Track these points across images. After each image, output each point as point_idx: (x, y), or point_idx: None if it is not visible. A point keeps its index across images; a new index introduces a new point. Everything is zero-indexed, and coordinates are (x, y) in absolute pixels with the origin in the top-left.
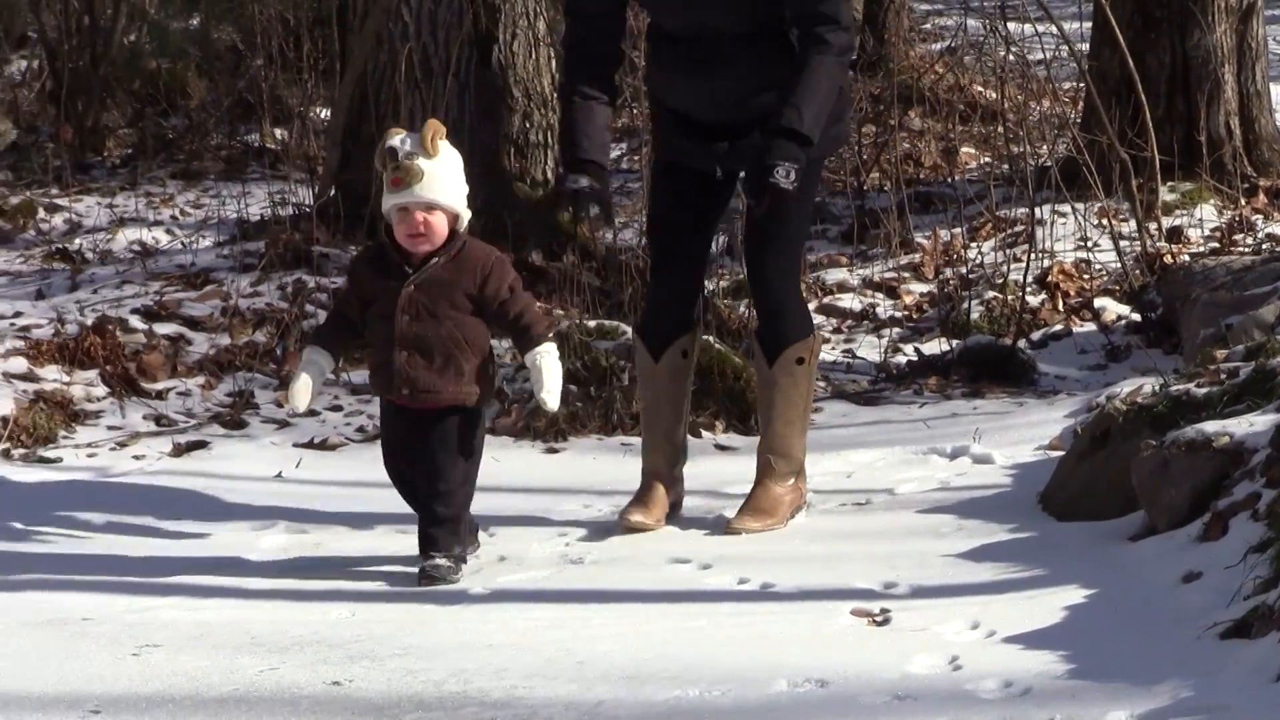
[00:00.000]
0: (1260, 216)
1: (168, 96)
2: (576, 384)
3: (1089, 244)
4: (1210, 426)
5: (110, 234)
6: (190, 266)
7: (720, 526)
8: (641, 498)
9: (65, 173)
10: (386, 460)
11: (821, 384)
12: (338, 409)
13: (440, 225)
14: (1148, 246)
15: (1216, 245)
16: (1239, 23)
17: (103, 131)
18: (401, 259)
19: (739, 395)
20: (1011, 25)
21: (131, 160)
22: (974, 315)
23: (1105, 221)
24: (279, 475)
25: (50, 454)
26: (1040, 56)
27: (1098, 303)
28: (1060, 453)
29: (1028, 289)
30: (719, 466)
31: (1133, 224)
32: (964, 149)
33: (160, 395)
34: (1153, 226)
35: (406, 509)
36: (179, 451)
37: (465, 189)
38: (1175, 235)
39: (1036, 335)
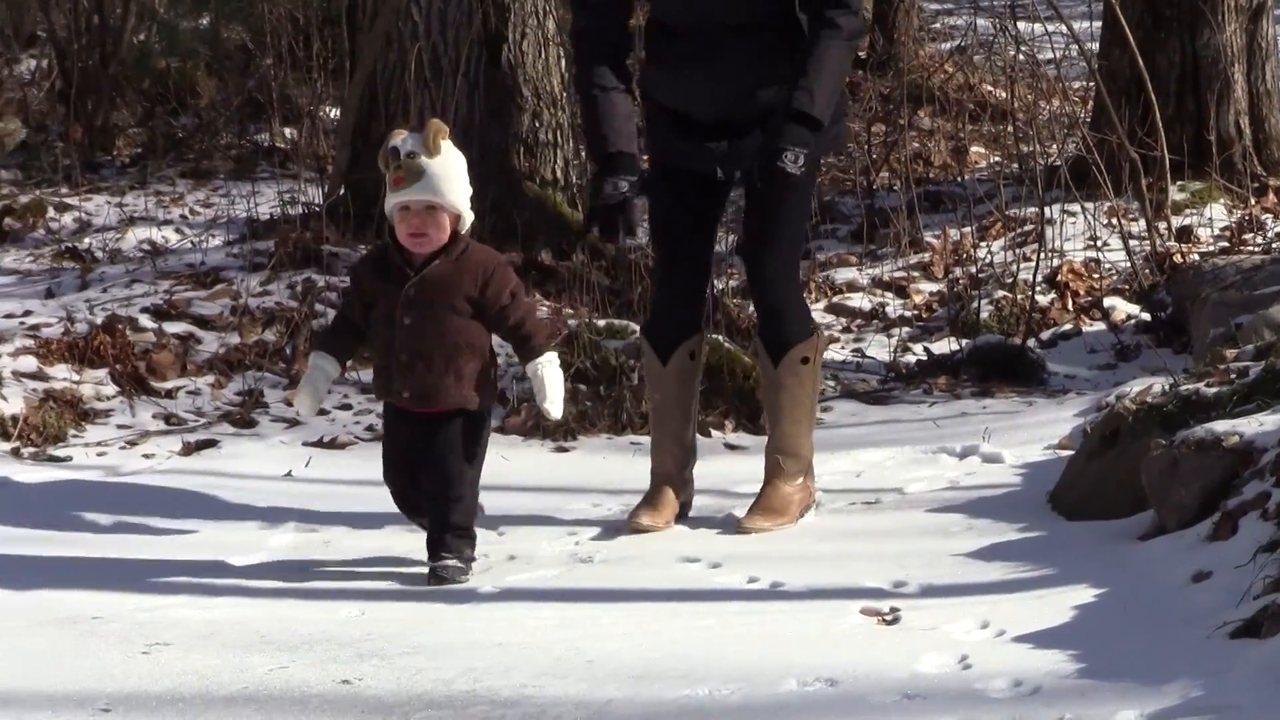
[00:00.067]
0: (1270, 216)
1: (177, 95)
2: (586, 383)
3: (1098, 243)
4: (1220, 426)
5: (120, 233)
6: (200, 265)
7: (730, 526)
8: (650, 500)
9: (75, 172)
10: (385, 466)
11: (831, 383)
12: (347, 408)
13: (441, 226)
14: (1157, 246)
15: (1226, 244)
16: (1249, 22)
17: (112, 130)
18: (403, 260)
19: (748, 394)
20: (1021, 24)
21: (141, 159)
22: (983, 314)
23: (1115, 221)
24: (288, 474)
25: (60, 453)
26: (1050, 56)
27: (1107, 302)
28: (1070, 452)
29: (1037, 288)
30: (728, 466)
31: (1142, 223)
32: (974, 148)
33: (170, 394)
34: (1162, 226)
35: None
36: (188, 450)
37: (468, 190)
38: (1185, 234)
39: (1046, 334)
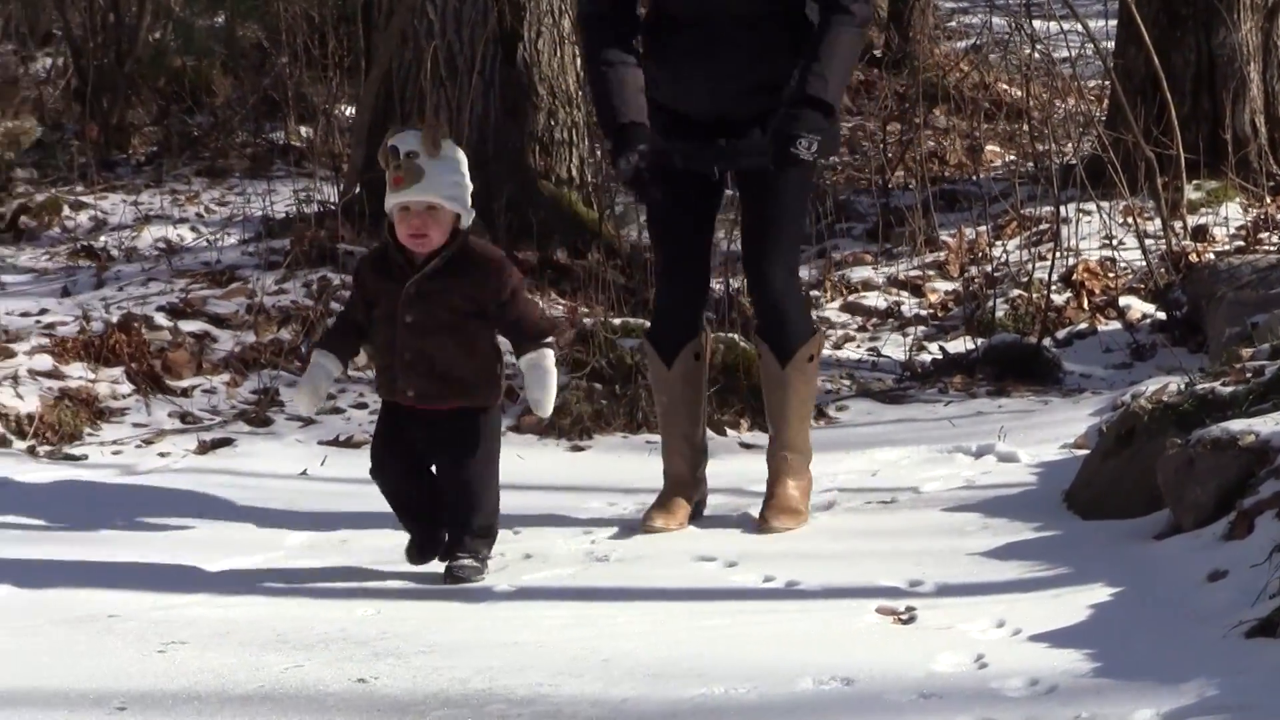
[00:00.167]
0: None
1: (193, 94)
2: (602, 382)
3: (1114, 242)
4: (1236, 425)
5: (135, 231)
6: (215, 264)
7: (745, 524)
8: (663, 501)
9: (90, 170)
10: (376, 465)
11: (847, 382)
12: (363, 406)
13: (441, 225)
14: (1173, 245)
15: (1242, 243)
16: (1265, 21)
17: (128, 129)
18: (404, 259)
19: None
20: (1036, 23)
21: (156, 158)
22: (999, 313)
23: (1130, 220)
24: (304, 473)
25: (75, 451)
26: (1065, 54)
27: (1123, 301)
28: (1085, 451)
29: (1053, 287)
30: (743, 465)
31: (1158, 222)
32: (989, 147)
33: (185, 393)
34: (1178, 225)
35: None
36: (204, 449)
37: (469, 188)
38: (1200, 233)
39: (1061, 333)
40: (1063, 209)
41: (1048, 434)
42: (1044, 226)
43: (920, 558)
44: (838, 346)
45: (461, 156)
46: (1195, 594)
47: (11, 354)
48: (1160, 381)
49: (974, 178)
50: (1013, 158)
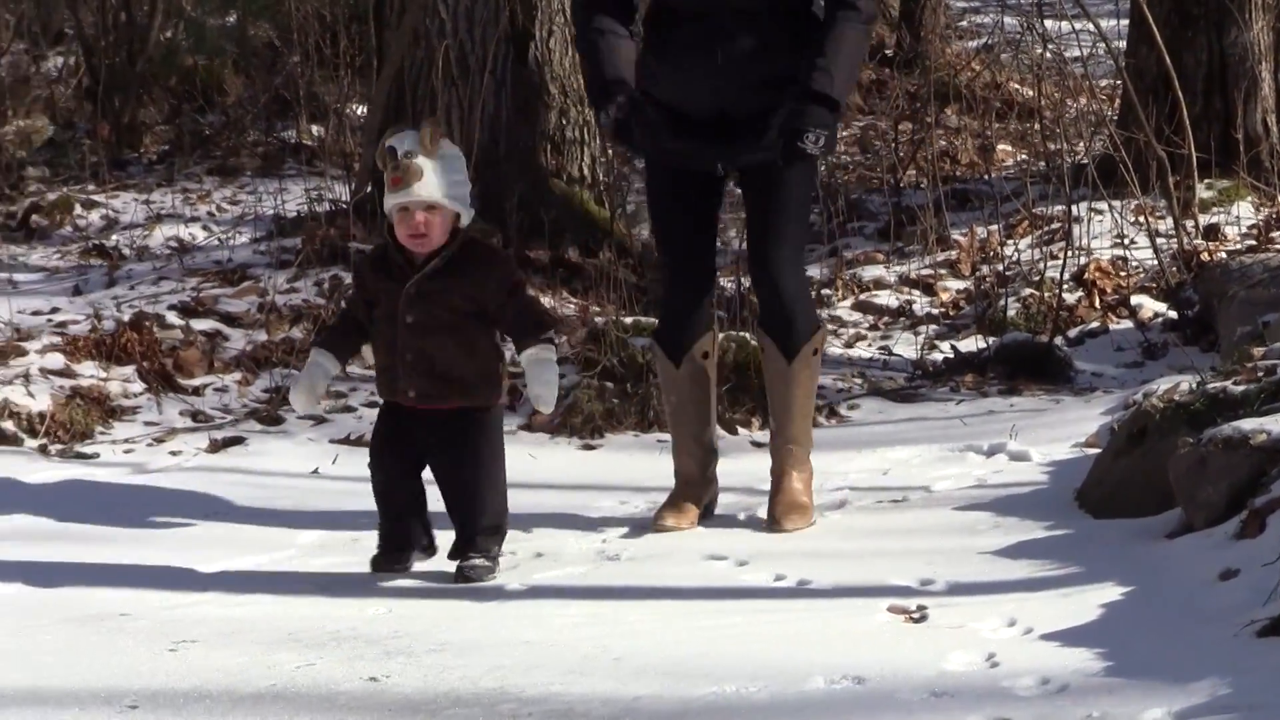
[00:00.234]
0: None
1: (204, 93)
2: (613, 381)
3: (1126, 241)
4: (1247, 424)
5: (147, 230)
6: (227, 263)
7: (756, 523)
8: (673, 501)
9: (102, 169)
10: (375, 464)
11: (858, 380)
12: (374, 405)
13: (441, 225)
14: (1184, 244)
15: (1253, 242)
16: (1276, 20)
17: (139, 128)
18: (404, 259)
19: None
20: (1048, 22)
21: (168, 157)
22: (1011, 312)
23: (1142, 219)
24: (315, 471)
25: (87, 450)
26: (1077, 54)
27: (1134, 300)
28: (1097, 450)
29: (1064, 286)
30: (754, 463)
31: (1169, 221)
32: (1001, 146)
33: (197, 391)
34: (1189, 224)
35: (444, 506)
36: (215, 447)
37: (468, 187)
38: (1212, 232)
39: (1073, 332)
40: (1074, 208)
41: (1059, 433)
42: (1055, 225)
43: (931, 557)
44: (849, 345)
45: (459, 155)
46: (1207, 593)
47: (23, 353)
48: (1172, 380)
49: (985, 177)
50: (1024, 157)
